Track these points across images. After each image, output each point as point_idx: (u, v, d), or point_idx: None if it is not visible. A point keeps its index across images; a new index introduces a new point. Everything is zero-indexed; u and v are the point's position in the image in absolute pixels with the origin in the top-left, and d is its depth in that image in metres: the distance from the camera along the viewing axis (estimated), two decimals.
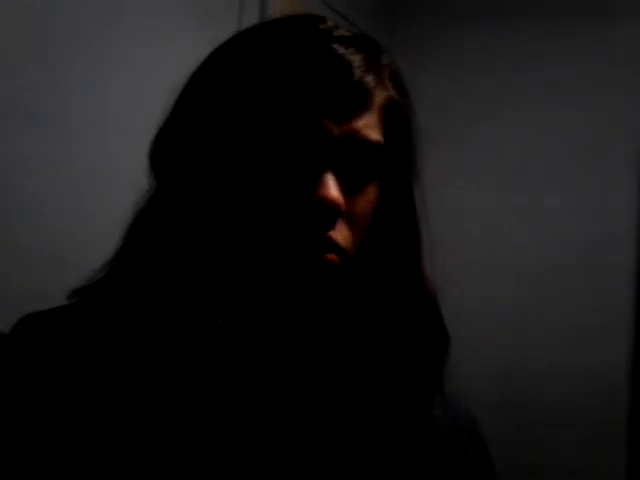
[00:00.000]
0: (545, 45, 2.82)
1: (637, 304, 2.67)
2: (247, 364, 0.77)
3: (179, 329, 0.76)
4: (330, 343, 0.81)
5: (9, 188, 1.44)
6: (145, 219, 0.80)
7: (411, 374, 0.81)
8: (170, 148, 0.80)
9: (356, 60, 0.76)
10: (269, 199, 0.74)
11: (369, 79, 0.76)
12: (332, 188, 0.73)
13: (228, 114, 0.76)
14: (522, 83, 2.82)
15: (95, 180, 1.61)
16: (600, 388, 2.63)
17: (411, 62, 0.90)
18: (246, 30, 0.82)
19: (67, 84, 1.55)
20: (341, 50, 0.75)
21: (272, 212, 0.74)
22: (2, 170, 1.42)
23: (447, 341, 0.84)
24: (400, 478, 0.78)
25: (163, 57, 1.73)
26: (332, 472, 0.75)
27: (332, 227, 0.74)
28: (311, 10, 0.83)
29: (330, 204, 0.72)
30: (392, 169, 0.80)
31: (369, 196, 0.78)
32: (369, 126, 0.76)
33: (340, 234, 0.75)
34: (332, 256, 0.74)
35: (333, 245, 0.74)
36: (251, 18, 1.96)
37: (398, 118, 0.80)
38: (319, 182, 0.73)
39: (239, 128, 0.75)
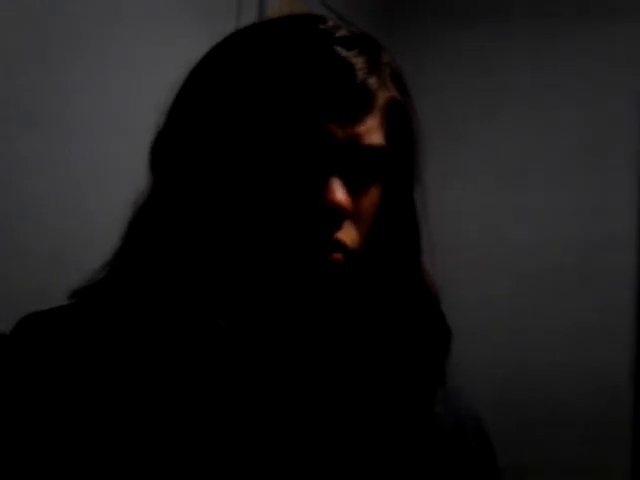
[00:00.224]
0: (545, 45, 2.82)
1: (637, 304, 2.67)
2: (249, 366, 0.77)
3: (180, 330, 0.76)
4: (333, 341, 0.81)
5: (9, 188, 1.44)
6: (145, 219, 0.80)
7: (413, 370, 0.81)
8: (170, 149, 0.79)
9: (359, 62, 0.75)
10: (275, 203, 0.74)
11: (372, 81, 0.76)
12: (340, 192, 0.73)
13: (230, 116, 0.76)
14: (521, 83, 2.82)
15: (95, 180, 1.61)
16: (600, 388, 2.63)
17: (410, 62, 0.90)
18: (245, 29, 0.81)
19: (67, 84, 1.55)
20: (343, 52, 0.75)
21: (279, 216, 0.74)
22: (2, 170, 1.42)
23: (449, 336, 0.84)
24: (403, 475, 0.78)
25: (163, 57, 1.73)
26: (335, 470, 0.75)
27: (339, 228, 0.74)
28: (310, 10, 0.83)
29: (338, 208, 0.73)
30: (394, 169, 0.81)
31: (372, 196, 0.78)
32: (373, 129, 0.76)
33: (347, 235, 0.75)
34: (338, 255, 0.74)
35: (340, 246, 0.75)
36: (249, 18, 1.97)
37: (400, 118, 0.80)
38: (327, 187, 0.73)
39: (241, 130, 0.75)
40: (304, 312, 0.79)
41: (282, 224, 0.74)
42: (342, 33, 0.78)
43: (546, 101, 2.80)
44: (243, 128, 0.75)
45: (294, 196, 0.74)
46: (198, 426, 0.74)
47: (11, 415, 0.75)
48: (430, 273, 0.84)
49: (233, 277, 0.78)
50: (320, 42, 0.75)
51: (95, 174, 1.61)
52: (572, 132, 2.76)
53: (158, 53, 1.74)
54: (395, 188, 0.81)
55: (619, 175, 2.72)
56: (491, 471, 0.87)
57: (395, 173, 0.81)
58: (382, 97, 0.78)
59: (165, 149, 0.80)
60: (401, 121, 0.80)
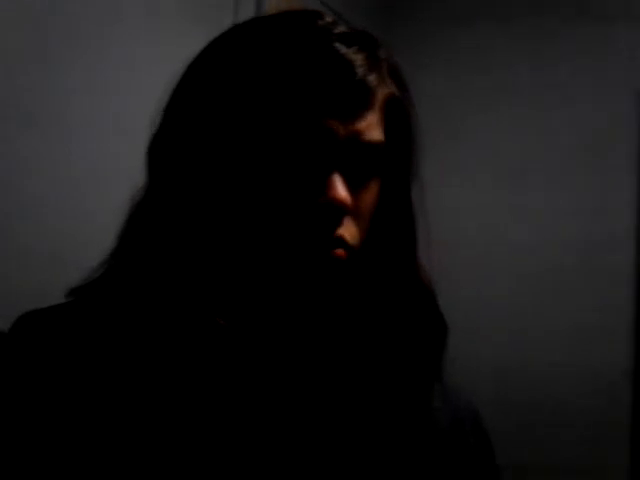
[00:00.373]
0: (543, 44, 2.82)
1: (637, 304, 2.67)
2: (248, 364, 0.77)
3: (178, 329, 0.76)
4: (331, 337, 0.81)
5: (9, 188, 1.44)
6: (143, 216, 0.80)
7: (410, 365, 0.82)
8: (167, 146, 0.79)
9: (358, 59, 0.76)
10: (276, 199, 0.74)
11: (372, 78, 0.76)
12: (340, 189, 0.73)
13: (229, 113, 0.76)
14: (520, 82, 2.82)
15: (95, 180, 1.61)
16: (600, 388, 2.63)
17: (407, 60, 0.90)
18: (243, 24, 0.81)
19: (67, 84, 1.55)
20: (343, 49, 0.76)
21: (280, 212, 0.74)
22: (2, 170, 1.42)
23: (445, 331, 0.84)
24: (402, 471, 0.78)
25: (163, 57, 1.73)
26: (333, 466, 0.75)
27: (339, 225, 0.74)
28: (307, 7, 0.83)
29: (339, 204, 0.73)
30: (393, 165, 0.81)
31: (372, 192, 0.78)
32: (372, 125, 0.76)
33: (347, 231, 0.75)
34: (340, 251, 0.75)
35: (341, 242, 0.75)
36: (247, 17, 1.97)
37: (399, 114, 0.80)
38: (327, 183, 0.73)
39: (241, 128, 0.75)
40: (305, 309, 0.79)
41: (283, 220, 0.74)
42: (341, 29, 0.78)
43: (546, 101, 2.79)
44: (243, 125, 0.75)
45: (295, 192, 0.74)
46: (197, 425, 0.74)
47: (9, 413, 0.75)
48: (426, 269, 0.84)
49: (232, 274, 0.78)
50: (319, 39, 0.76)
51: (95, 174, 1.61)
52: (572, 132, 2.76)
53: (158, 53, 1.75)
54: (393, 184, 0.81)
55: (619, 175, 2.72)
56: (490, 467, 0.87)
57: (394, 169, 0.81)
58: (381, 93, 0.78)
59: (162, 146, 0.80)
60: (400, 117, 0.80)
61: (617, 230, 2.70)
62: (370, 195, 0.78)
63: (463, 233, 2.78)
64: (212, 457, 0.73)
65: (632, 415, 2.62)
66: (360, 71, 0.75)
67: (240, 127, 0.75)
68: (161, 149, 0.80)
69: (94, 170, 1.61)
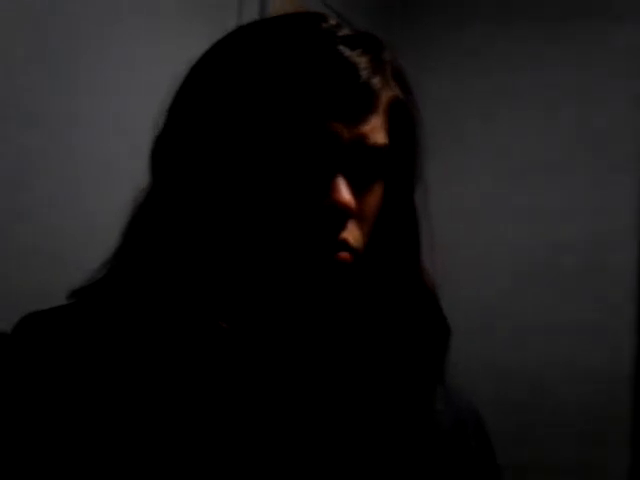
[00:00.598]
0: (545, 46, 2.82)
1: (637, 304, 2.67)
2: (251, 368, 0.77)
3: (180, 331, 0.76)
4: (334, 339, 0.81)
5: (9, 188, 1.44)
6: (145, 218, 0.80)
7: (412, 367, 0.82)
8: (171, 147, 0.79)
9: (362, 62, 0.76)
10: (280, 202, 0.74)
11: (376, 80, 0.76)
12: (344, 192, 0.73)
13: (233, 116, 0.76)
14: (522, 84, 2.82)
15: (95, 180, 1.61)
16: (600, 388, 2.63)
17: (410, 62, 0.90)
18: (247, 27, 0.81)
19: (67, 84, 1.55)
20: (347, 52, 0.75)
21: (284, 216, 0.74)
22: (2, 170, 1.42)
23: (448, 334, 0.84)
24: (403, 473, 0.78)
25: (163, 57, 1.73)
26: (336, 468, 0.75)
27: (343, 228, 0.74)
28: (309, 9, 0.83)
29: (343, 208, 0.73)
30: (396, 168, 0.81)
31: (375, 195, 0.78)
32: (377, 128, 0.76)
33: (351, 234, 0.75)
34: (344, 254, 0.75)
35: (345, 245, 0.75)
36: (250, 18, 1.96)
37: (402, 117, 0.80)
38: (331, 186, 0.74)
39: (245, 130, 0.75)
40: (308, 312, 0.79)
41: (287, 224, 0.74)
42: (345, 32, 0.78)
43: (546, 101, 2.79)
44: (247, 128, 0.75)
45: (299, 196, 0.74)
46: (198, 427, 0.74)
47: (11, 414, 0.75)
48: (429, 272, 0.84)
49: (235, 277, 0.78)
50: (323, 41, 0.76)
51: (95, 174, 1.61)
52: (572, 132, 2.76)
53: (158, 53, 1.74)
54: (397, 187, 0.82)
55: (619, 175, 2.71)
56: (491, 470, 0.87)
57: (397, 172, 0.81)
58: (385, 96, 0.78)
59: (166, 148, 0.80)
60: (404, 120, 0.80)
61: (617, 230, 2.70)
62: (374, 198, 0.78)
63: (465, 234, 2.78)
64: (214, 459, 0.73)
65: (632, 415, 2.62)
66: (364, 74, 0.75)
67: (244, 130, 0.75)
68: (165, 151, 0.80)
69: (94, 170, 1.61)
